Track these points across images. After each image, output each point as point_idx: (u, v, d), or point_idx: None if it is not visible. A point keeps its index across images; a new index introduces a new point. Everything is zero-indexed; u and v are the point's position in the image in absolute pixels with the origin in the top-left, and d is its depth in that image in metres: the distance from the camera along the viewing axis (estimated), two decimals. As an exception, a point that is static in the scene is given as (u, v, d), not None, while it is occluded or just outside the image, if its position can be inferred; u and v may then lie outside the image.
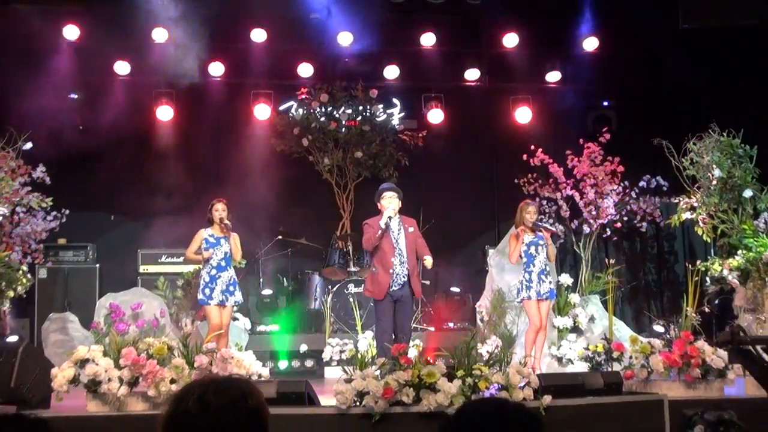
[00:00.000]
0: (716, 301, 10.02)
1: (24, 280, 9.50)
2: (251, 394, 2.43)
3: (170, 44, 11.72)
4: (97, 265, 11.61)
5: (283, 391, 6.43)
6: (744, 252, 9.35)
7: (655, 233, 12.83)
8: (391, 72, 12.80)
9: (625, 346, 7.85)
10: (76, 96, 12.09)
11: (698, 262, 9.80)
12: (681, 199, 10.26)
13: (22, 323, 10.54)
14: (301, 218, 12.36)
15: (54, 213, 10.14)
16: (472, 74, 12.95)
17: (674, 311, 10.13)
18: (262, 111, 12.53)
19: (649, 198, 11.71)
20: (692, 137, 10.01)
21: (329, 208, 13.02)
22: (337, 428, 6.38)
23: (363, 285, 9.67)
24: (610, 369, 7.69)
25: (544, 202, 11.49)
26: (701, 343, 7.63)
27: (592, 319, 10.44)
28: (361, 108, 12.97)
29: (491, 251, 11.34)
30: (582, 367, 8.19)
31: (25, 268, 9.65)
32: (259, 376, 7.69)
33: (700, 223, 10.06)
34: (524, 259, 9.10)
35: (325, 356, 10.27)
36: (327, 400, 6.72)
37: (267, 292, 11.95)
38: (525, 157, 11.51)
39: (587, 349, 8.18)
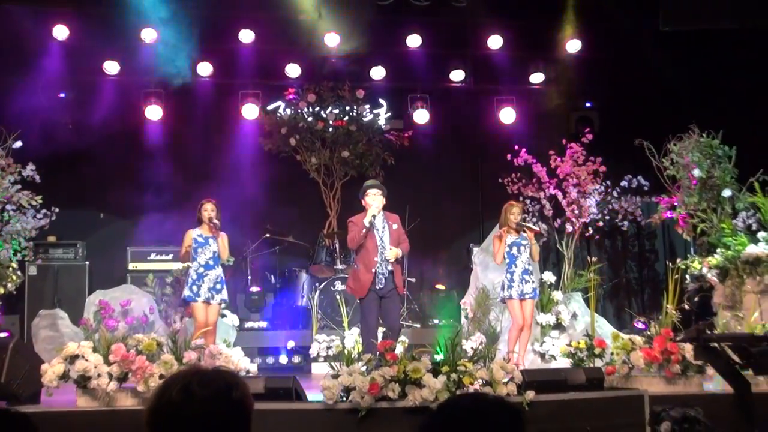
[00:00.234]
0: (696, 299, 10.09)
1: (14, 277, 9.54)
2: (236, 386, 2.41)
3: (159, 44, 11.72)
4: (87, 263, 11.62)
5: (271, 387, 6.44)
6: (723, 250, 9.44)
7: (636, 232, 12.95)
8: (378, 73, 12.84)
9: (606, 343, 7.83)
10: (65, 95, 12.10)
11: (678, 260, 9.77)
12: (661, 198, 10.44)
13: (12, 320, 10.53)
14: (289, 216, 12.48)
15: (44, 211, 10.11)
16: (457, 75, 12.98)
17: (655, 308, 10.21)
18: (250, 111, 12.54)
19: (630, 197, 11.80)
20: (672, 138, 10.11)
21: (316, 206, 13.07)
22: (324, 423, 6.38)
23: (346, 282, 9.70)
24: (591, 365, 7.60)
25: (528, 202, 11.56)
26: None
27: (574, 316, 10.52)
28: (348, 108, 13.03)
29: (476, 249, 11.43)
30: (564, 363, 8.17)
31: (15, 265, 9.67)
32: (247, 371, 7.74)
33: (680, 222, 10.22)
34: (507, 260, 9.20)
35: (312, 352, 10.33)
36: (314, 396, 6.72)
37: (255, 289, 11.95)
38: (509, 156, 11.58)
39: (570, 345, 8.15)
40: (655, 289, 12.52)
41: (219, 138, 12.67)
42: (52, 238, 11.48)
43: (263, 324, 11.55)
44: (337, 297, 10.60)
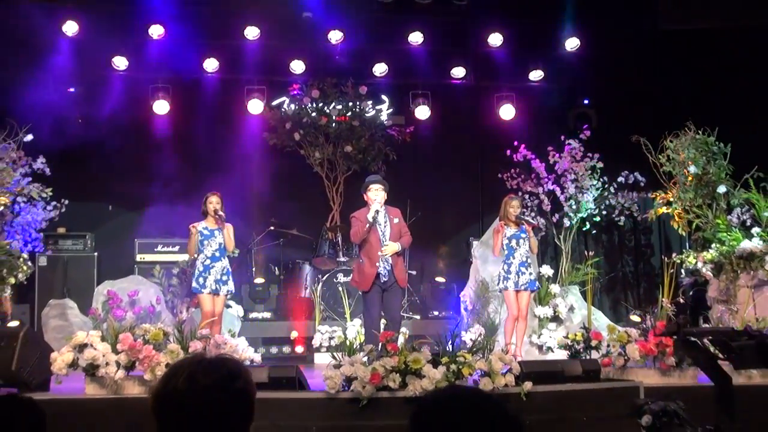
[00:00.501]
0: (691, 293, 10.20)
1: (25, 268, 9.69)
2: (240, 375, 2.44)
3: (167, 40, 11.84)
4: (96, 254, 11.68)
5: (274, 376, 6.49)
6: (717, 245, 9.58)
7: (633, 227, 12.97)
8: (380, 69, 12.84)
9: (602, 335, 7.83)
10: (75, 90, 12.15)
11: (674, 255, 9.96)
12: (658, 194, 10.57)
13: (22, 309, 10.61)
14: (293, 209, 12.53)
15: (54, 203, 10.34)
16: (458, 72, 12.99)
17: (650, 302, 10.33)
18: (255, 106, 12.55)
19: (627, 193, 11.87)
20: (669, 135, 10.23)
21: (320, 200, 13.13)
22: (326, 412, 6.40)
23: (350, 275, 9.79)
24: (588, 357, 7.64)
25: (527, 197, 11.66)
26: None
27: (571, 308, 10.60)
28: (350, 104, 13.08)
29: (475, 243, 11.50)
30: (561, 354, 8.14)
31: (25, 255, 9.83)
32: (252, 361, 7.79)
33: (676, 218, 10.36)
34: (505, 251, 9.34)
35: (315, 343, 10.36)
36: (317, 385, 6.74)
37: (259, 280, 11.99)
38: (508, 152, 11.73)
39: (566, 337, 8.10)
40: (651, 283, 12.62)
41: (225, 132, 12.70)
42: (61, 230, 11.57)
43: (267, 315, 11.63)
44: (340, 289, 10.71)
